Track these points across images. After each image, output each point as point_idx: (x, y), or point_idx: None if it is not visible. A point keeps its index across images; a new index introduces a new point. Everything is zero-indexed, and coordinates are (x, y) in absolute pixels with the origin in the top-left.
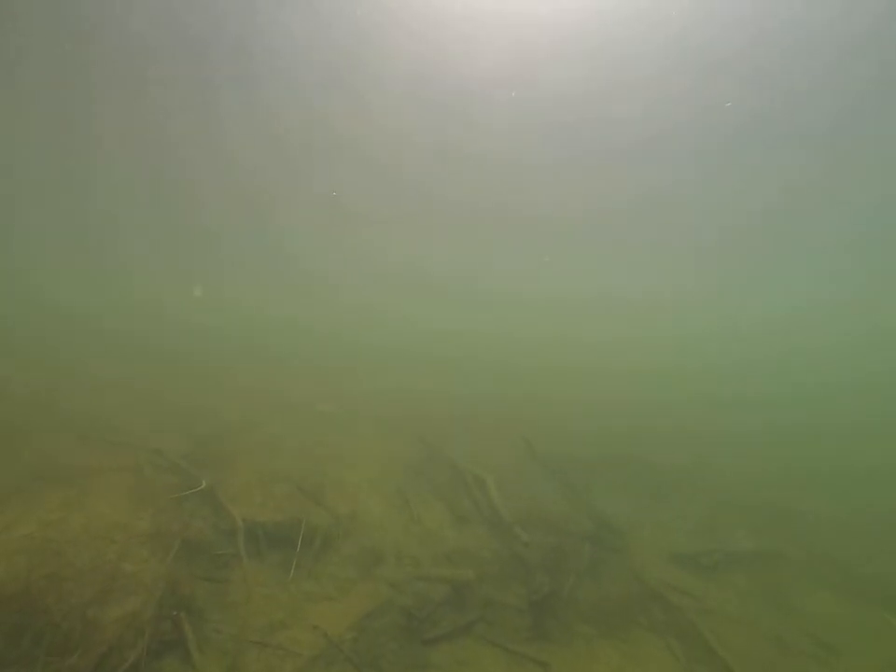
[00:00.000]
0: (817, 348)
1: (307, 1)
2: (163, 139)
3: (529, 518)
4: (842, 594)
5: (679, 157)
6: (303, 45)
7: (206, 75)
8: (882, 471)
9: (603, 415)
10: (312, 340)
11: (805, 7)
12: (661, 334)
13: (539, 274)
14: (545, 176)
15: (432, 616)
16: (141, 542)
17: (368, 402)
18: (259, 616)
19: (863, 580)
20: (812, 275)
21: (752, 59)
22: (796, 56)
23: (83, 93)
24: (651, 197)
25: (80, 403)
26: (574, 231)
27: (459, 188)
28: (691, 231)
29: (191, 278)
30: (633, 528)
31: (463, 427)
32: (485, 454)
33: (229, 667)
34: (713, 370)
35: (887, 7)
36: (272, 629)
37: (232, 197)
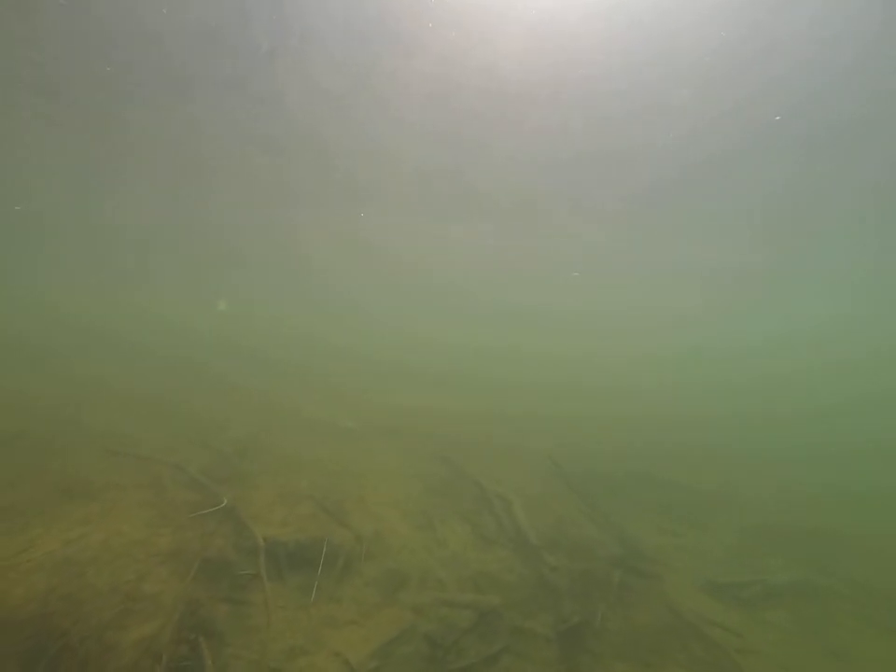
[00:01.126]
0: (849, 362)
1: None
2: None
3: (556, 541)
4: (891, 632)
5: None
6: None
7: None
8: None
9: (629, 435)
10: (334, 356)
11: None
12: (687, 350)
13: (564, 290)
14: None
15: (457, 644)
16: (161, 561)
17: (390, 419)
18: (279, 641)
19: None
20: (838, 289)
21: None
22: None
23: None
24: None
25: (102, 418)
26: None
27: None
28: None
29: (214, 292)
30: (663, 554)
31: (486, 445)
32: (509, 473)
33: None
34: (742, 386)
35: None
36: (292, 655)
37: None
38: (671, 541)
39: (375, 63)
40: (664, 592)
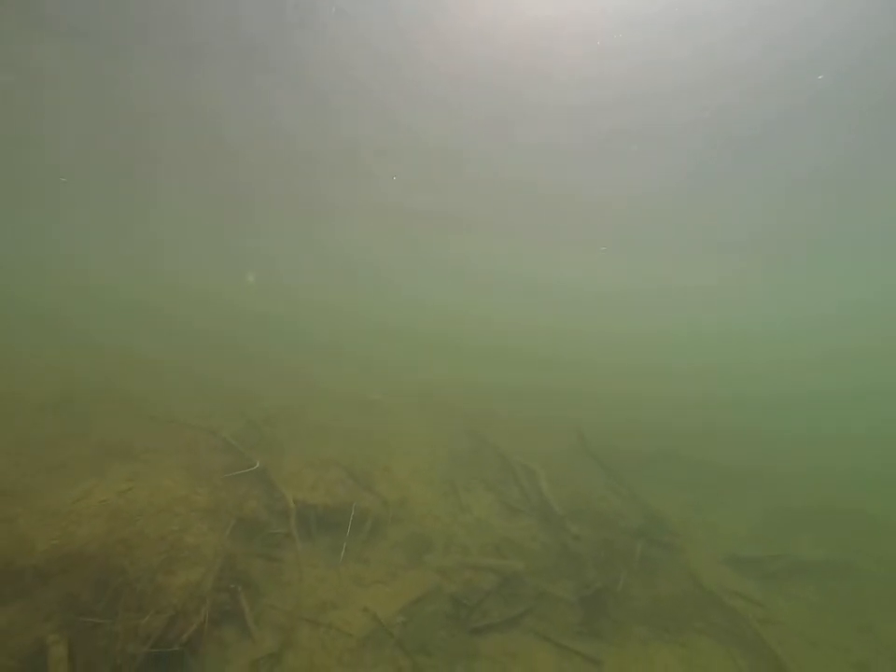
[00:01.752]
0: (886, 345)
1: None
2: None
3: (579, 511)
4: None
5: None
6: None
7: None
8: None
9: (655, 411)
10: (362, 327)
11: None
12: (717, 330)
13: (594, 266)
14: None
15: (481, 605)
16: (200, 517)
17: (417, 391)
18: (311, 595)
19: None
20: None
21: None
22: None
23: None
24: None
25: (139, 386)
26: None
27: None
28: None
29: (246, 265)
30: (686, 527)
31: (512, 417)
32: (534, 444)
33: (283, 642)
34: (773, 366)
35: None
36: (323, 609)
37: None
38: (695, 517)
39: None
40: (685, 563)
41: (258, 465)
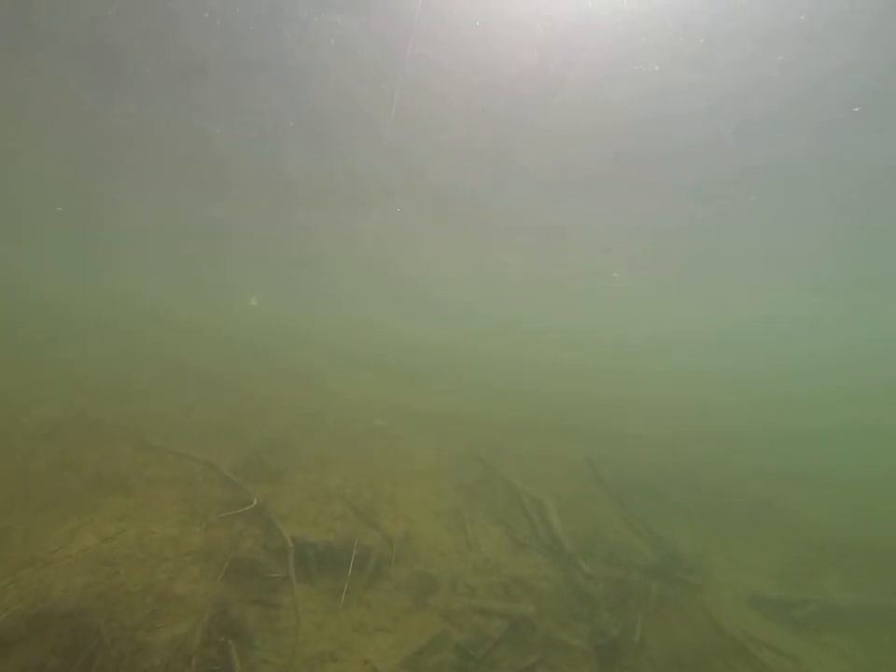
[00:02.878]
0: None
1: None
2: None
3: (591, 547)
4: None
5: None
6: None
7: None
8: None
9: (669, 441)
10: (365, 353)
11: None
12: (731, 362)
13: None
14: None
15: (489, 655)
16: (193, 560)
17: (422, 418)
18: (308, 645)
19: None
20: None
21: None
22: None
23: None
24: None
25: (137, 412)
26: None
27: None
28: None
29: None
30: (704, 564)
31: (519, 446)
32: (542, 474)
33: None
34: (792, 398)
35: None
36: (321, 661)
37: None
38: (713, 551)
39: None
40: (705, 605)
41: (255, 503)
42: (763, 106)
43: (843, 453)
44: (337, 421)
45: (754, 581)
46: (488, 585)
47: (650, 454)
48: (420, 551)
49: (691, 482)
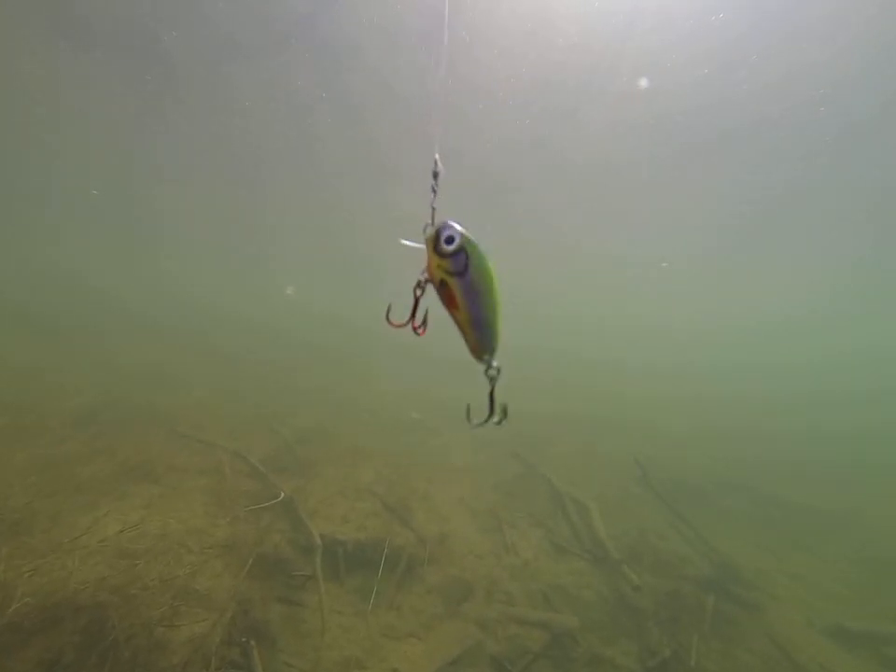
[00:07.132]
0: None
1: None
2: None
3: (638, 555)
4: None
5: None
6: None
7: None
8: None
9: (727, 443)
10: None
11: None
12: (798, 357)
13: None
14: None
15: (528, 671)
16: (216, 554)
17: (461, 411)
18: (333, 649)
19: None
20: None
21: None
22: None
23: None
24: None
25: (169, 401)
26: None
27: None
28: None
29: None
30: (766, 581)
31: (559, 443)
32: (584, 473)
33: None
34: (870, 395)
35: None
36: (347, 667)
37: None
38: (774, 565)
39: None
40: (770, 628)
41: (282, 496)
42: None
43: None
44: (371, 412)
45: (826, 603)
46: (527, 593)
47: (695, 453)
48: (455, 553)
49: (741, 483)
